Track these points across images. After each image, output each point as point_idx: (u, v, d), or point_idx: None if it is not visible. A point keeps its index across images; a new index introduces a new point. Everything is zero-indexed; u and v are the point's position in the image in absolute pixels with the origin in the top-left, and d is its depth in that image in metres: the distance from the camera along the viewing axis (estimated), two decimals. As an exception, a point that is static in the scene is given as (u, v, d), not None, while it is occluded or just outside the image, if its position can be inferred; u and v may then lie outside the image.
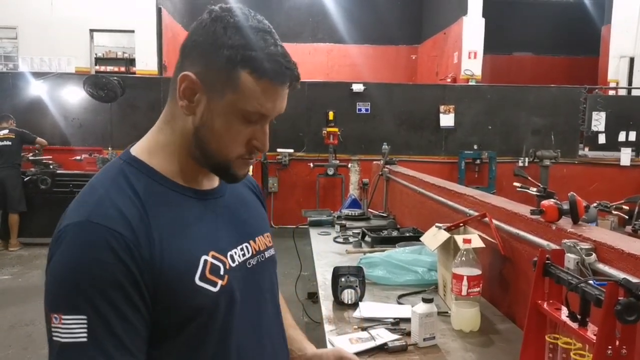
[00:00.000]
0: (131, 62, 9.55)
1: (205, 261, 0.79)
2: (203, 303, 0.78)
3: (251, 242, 0.91)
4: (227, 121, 0.79)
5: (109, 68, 9.71)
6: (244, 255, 0.88)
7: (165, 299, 0.75)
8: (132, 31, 8.92)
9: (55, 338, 0.69)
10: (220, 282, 0.80)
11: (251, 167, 1.00)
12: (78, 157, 6.50)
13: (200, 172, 0.86)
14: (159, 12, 8.81)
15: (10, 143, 5.88)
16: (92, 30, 8.82)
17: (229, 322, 0.82)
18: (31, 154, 6.37)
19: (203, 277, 0.78)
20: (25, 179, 6.06)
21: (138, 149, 0.84)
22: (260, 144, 0.83)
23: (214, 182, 0.90)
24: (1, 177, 5.80)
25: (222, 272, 0.81)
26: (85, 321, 0.68)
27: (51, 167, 6.28)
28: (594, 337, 0.92)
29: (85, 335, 0.68)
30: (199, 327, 0.79)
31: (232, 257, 0.85)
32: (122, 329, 0.70)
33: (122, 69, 9.82)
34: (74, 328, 0.68)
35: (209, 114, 0.79)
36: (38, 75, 7.28)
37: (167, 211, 0.79)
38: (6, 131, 5.95)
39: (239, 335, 0.84)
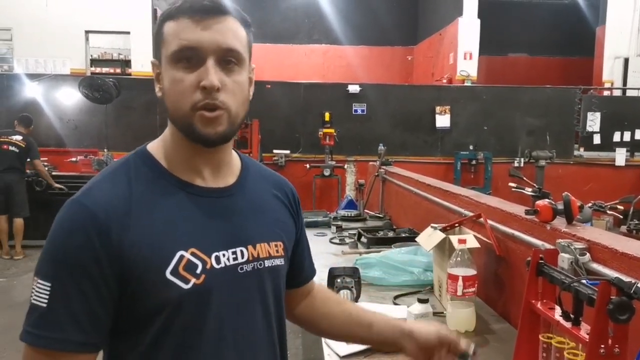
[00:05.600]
0: (127, 63, 9.52)
1: (182, 256, 0.79)
2: (170, 298, 0.78)
3: (249, 247, 0.87)
4: (168, 74, 0.81)
5: (105, 69, 9.67)
6: (235, 259, 0.85)
7: (132, 287, 0.77)
8: (128, 32, 8.90)
9: (30, 297, 0.76)
10: (193, 280, 0.79)
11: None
12: (73, 159, 6.48)
13: (205, 165, 0.86)
14: (154, 13, 8.80)
15: (17, 151, 5.73)
16: (87, 32, 8.80)
17: (199, 322, 0.81)
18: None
19: (175, 272, 0.78)
20: (20, 181, 6.01)
21: (152, 143, 0.88)
22: (206, 81, 0.78)
23: (225, 181, 0.89)
24: (8, 181, 5.68)
25: (198, 271, 0.80)
26: (49, 289, 0.74)
27: (46, 168, 6.24)
28: (587, 337, 0.93)
29: (46, 301, 0.74)
30: (164, 322, 0.79)
31: (217, 258, 0.83)
32: (79, 304, 0.75)
33: (118, 70, 9.78)
34: (40, 292, 0.75)
35: (163, 81, 0.83)
36: (33, 76, 7.25)
37: (156, 203, 0.81)
38: (19, 137, 5.79)
39: (211, 339, 0.82)
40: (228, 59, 0.81)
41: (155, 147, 0.87)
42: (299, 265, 1.05)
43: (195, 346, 0.81)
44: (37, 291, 0.75)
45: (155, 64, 0.85)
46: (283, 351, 0.95)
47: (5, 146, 5.72)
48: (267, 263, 0.89)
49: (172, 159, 0.85)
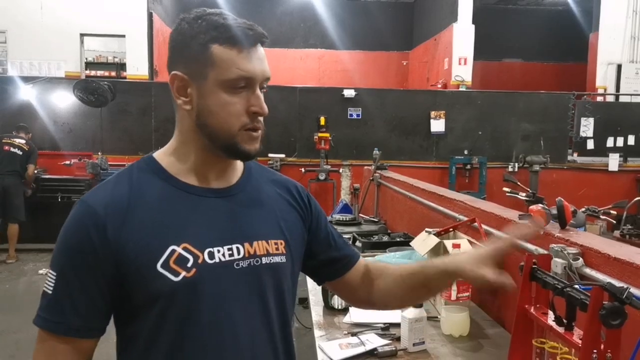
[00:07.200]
0: (122, 66, 9.49)
1: (173, 251, 0.84)
2: (161, 290, 0.83)
3: (246, 244, 0.90)
4: (218, 97, 0.86)
5: (100, 72, 9.63)
6: (231, 255, 0.88)
7: (129, 278, 0.84)
8: (123, 36, 8.88)
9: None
10: (183, 273, 0.84)
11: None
12: (67, 162, 6.43)
13: (212, 170, 0.92)
14: (150, 16, 8.79)
15: (21, 153, 5.78)
16: (82, 35, 8.77)
17: (193, 313, 0.85)
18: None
19: (165, 265, 0.83)
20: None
21: (158, 152, 0.95)
22: (257, 107, 0.87)
23: (227, 182, 0.94)
24: (6, 185, 5.65)
25: (189, 265, 0.84)
26: (54, 277, 0.84)
27: (36, 171, 6.16)
28: (580, 341, 0.93)
29: (52, 288, 0.84)
30: (158, 313, 0.85)
31: (211, 253, 0.87)
32: (78, 293, 0.83)
33: (113, 73, 9.74)
34: (49, 281, 0.84)
35: (202, 98, 0.87)
36: (27, 79, 7.21)
37: (153, 202, 0.87)
38: (23, 141, 5.87)
39: (207, 329, 0.86)
40: (263, 85, 0.90)
41: (161, 154, 0.94)
42: (333, 255, 1.06)
43: (193, 334, 0.86)
44: (47, 280, 0.84)
45: (181, 78, 0.87)
46: (287, 345, 0.97)
47: (6, 147, 5.72)
48: (265, 260, 0.92)
49: (178, 165, 0.91)
